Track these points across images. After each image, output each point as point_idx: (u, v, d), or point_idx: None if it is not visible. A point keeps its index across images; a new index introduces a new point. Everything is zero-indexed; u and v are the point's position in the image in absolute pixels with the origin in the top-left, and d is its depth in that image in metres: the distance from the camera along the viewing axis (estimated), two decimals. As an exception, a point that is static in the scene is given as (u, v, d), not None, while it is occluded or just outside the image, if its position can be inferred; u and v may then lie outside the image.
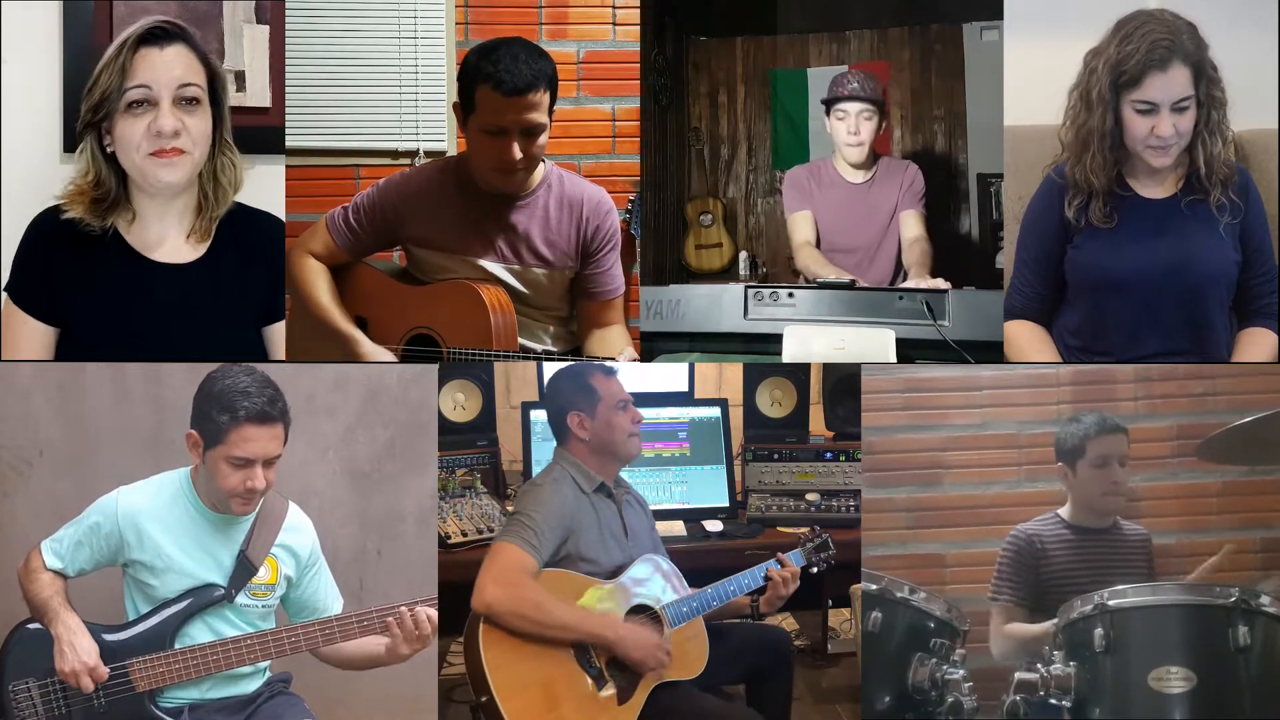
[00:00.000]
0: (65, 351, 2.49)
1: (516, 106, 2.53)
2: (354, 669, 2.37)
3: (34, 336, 2.47)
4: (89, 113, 2.36)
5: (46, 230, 2.44)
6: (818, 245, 3.52)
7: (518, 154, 2.57)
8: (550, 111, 2.62)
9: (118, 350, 2.48)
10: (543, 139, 2.61)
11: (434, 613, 2.28)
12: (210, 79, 2.41)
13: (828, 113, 3.53)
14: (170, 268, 2.46)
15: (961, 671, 2.39)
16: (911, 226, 3.46)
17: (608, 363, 2.64)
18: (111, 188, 2.41)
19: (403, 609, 2.26)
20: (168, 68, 2.35)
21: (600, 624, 2.36)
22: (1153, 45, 2.42)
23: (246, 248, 2.51)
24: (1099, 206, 2.53)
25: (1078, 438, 2.60)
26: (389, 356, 2.72)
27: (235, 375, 2.21)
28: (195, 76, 2.37)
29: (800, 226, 3.55)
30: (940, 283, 3.14)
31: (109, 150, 2.38)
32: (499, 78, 2.51)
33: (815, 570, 2.64)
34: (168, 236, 2.47)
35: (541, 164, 2.73)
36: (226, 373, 2.22)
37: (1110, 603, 2.26)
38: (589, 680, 2.34)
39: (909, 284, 3.27)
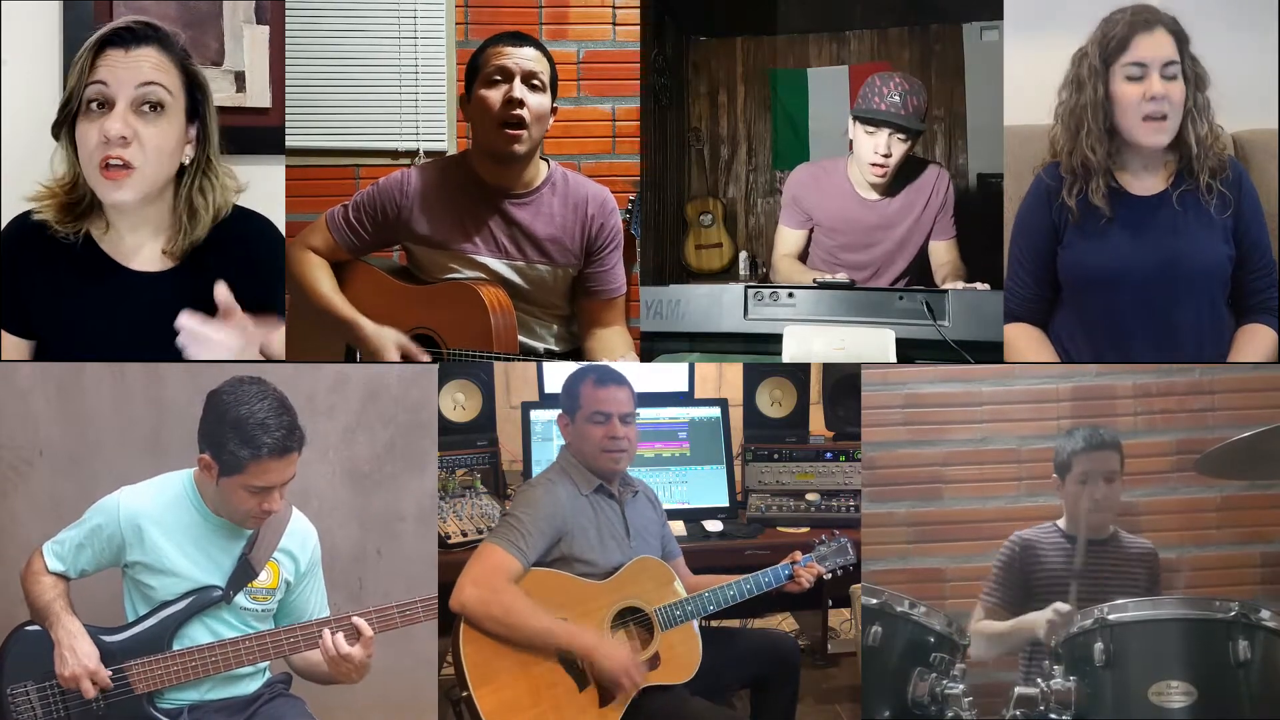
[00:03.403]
0: (42, 360, 2.42)
1: (519, 56, 2.62)
2: (316, 681, 2.35)
3: (9, 349, 2.40)
4: (59, 112, 2.25)
5: (17, 239, 2.34)
6: (804, 256, 3.45)
7: (519, 93, 2.60)
8: (552, 105, 2.67)
9: (97, 358, 2.41)
10: (541, 103, 2.64)
11: (343, 644, 2.22)
12: (189, 87, 2.27)
13: (858, 118, 3.31)
14: (148, 276, 2.36)
15: (961, 686, 2.39)
16: (943, 255, 3.34)
17: (621, 367, 2.64)
18: (86, 193, 2.29)
19: (325, 631, 2.23)
20: (130, 68, 2.21)
21: (575, 637, 2.35)
22: (1135, 12, 2.50)
23: (230, 251, 2.38)
24: (1099, 188, 2.53)
25: (1066, 452, 2.61)
26: (393, 336, 2.69)
27: (250, 400, 2.15)
28: (162, 79, 2.23)
29: (787, 240, 3.45)
30: (981, 285, 3.08)
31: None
32: (501, 37, 2.66)
33: (828, 576, 2.64)
34: (143, 246, 2.36)
35: (545, 163, 2.75)
36: (240, 395, 2.16)
37: (1110, 617, 2.26)
38: (571, 680, 2.34)
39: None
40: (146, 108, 2.23)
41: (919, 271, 3.38)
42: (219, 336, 2.24)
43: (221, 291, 2.24)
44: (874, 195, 3.36)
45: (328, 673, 2.29)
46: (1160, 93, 2.47)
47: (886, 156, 3.26)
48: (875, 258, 3.37)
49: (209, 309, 2.30)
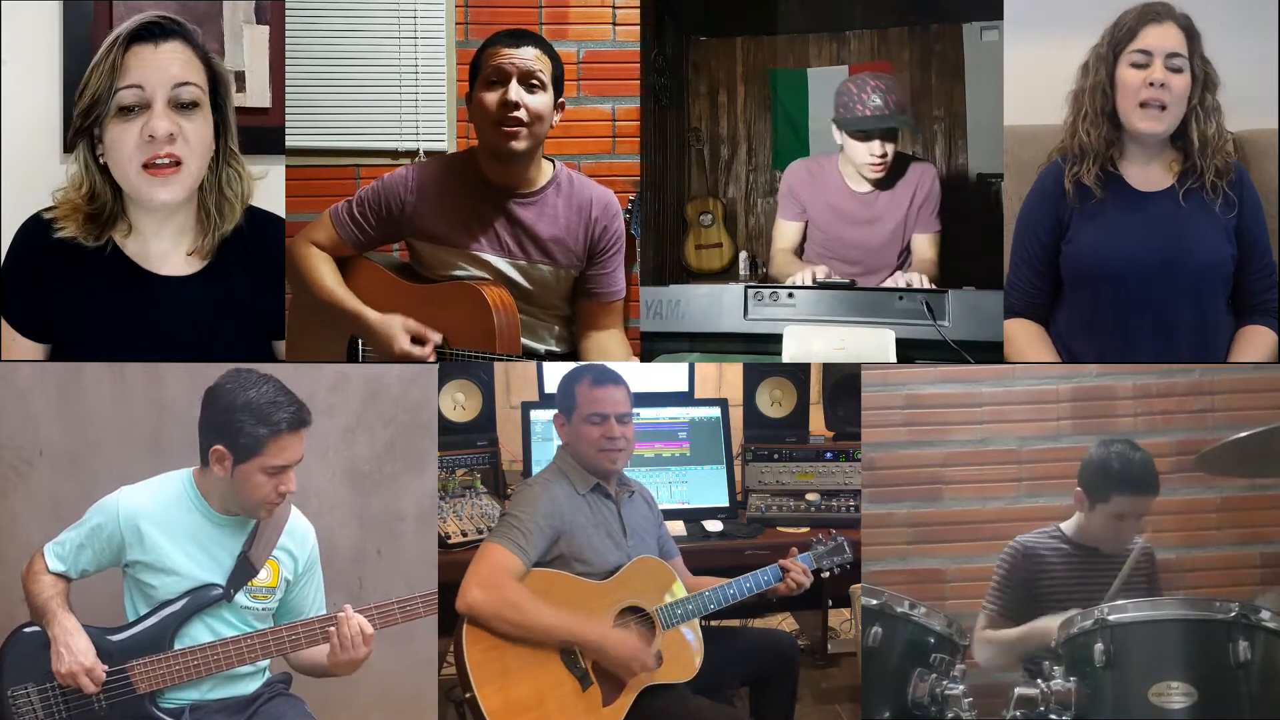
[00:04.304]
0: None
1: (517, 56, 2.60)
2: (311, 675, 2.35)
3: (26, 353, 2.39)
4: (79, 118, 2.20)
5: (35, 242, 2.31)
6: (801, 250, 3.47)
7: (515, 95, 2.59)
8: (556, 101, 2.66)
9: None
10: (540, 102, 2.62)
11: (366, 624, 2.23)
12: (212, 81, 2.26)
13: (844, 127, 3.32)
14: (172, 280, 2.35)
15: (962, 687, 2.38)
16: (925, 249, 3.36)
17: (619, 367, 2.64)
18: (107, 201, 2.26)
19: (341, 615, 2.23)
20: (162, 66, 2.19)
21: (583, 628, 2.35)
22: (1149, 4, 2.54)
23: (255, 255, 2.40)
24: (1096, 169, 2.55)
25: (1108, 483, 2.55)
26: (399, 321, 2.68)
27: (256, 385, 2.17)
28: (194, 76, 2.22)
29: (784, 233, 3.47)
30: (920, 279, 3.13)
31: (102, 160, 2.24)
32: (501, 37, 2.64)
33: (826, 575, 2.64)
34: (168, 253, 2.35)
35: (551, 164, 2.75)
36: (242, 383, 2.18)
37: (1110, 618, 2.26)
38: (574, 680, 2.34)
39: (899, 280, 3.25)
40: (181, 106, 2.21)
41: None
42: None
43: None
44: (864, 188, 3.39)
45: (323, 666, 2.29)
46: (1160, 79, 2.49)
47: (883, 156, 3.29)
48: (866, 251, 3.40)
49: (236, 310, 2.37)
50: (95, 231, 2.28)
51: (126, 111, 2.19)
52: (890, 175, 3.36)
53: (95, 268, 2.31)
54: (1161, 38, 2.50)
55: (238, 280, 2.38)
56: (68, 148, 2.30)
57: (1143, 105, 2.51)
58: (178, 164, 2.22)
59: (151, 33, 2.21)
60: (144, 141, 2.19)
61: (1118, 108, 2.54)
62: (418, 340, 2.66)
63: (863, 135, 3.28)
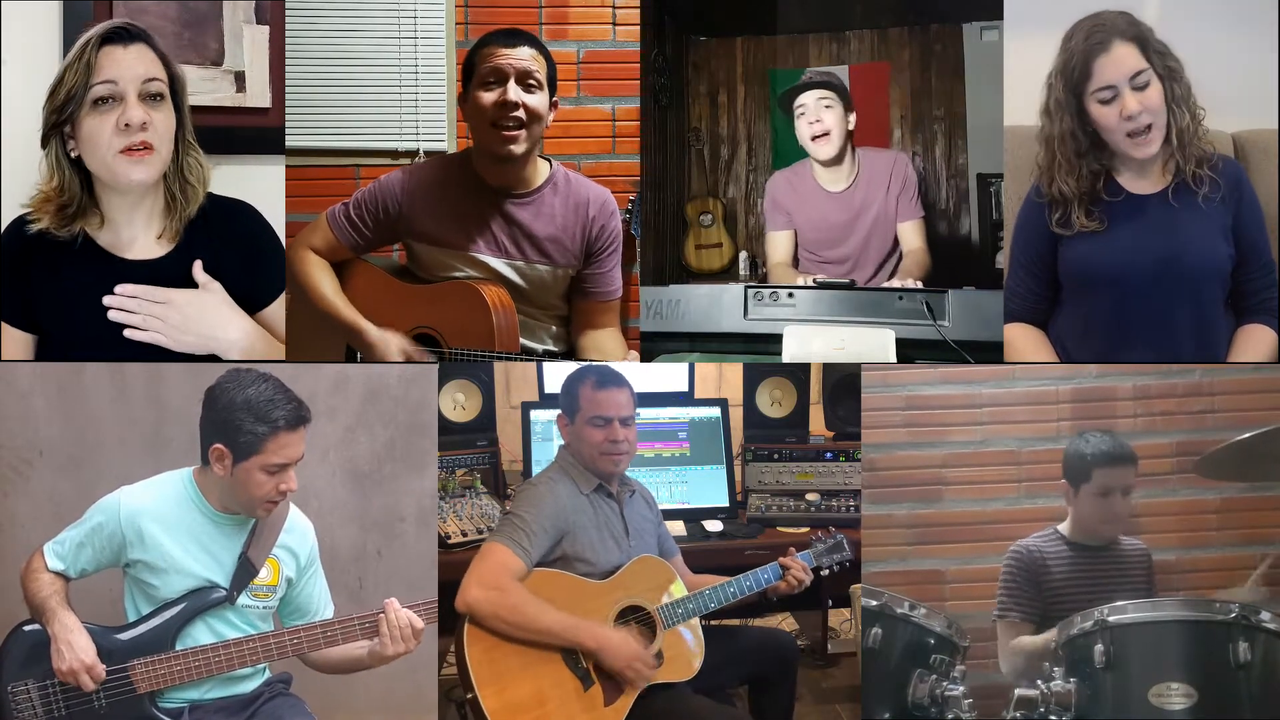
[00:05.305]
0: (45, 355, 2.50)
1: (514, 57, 2.62)
2: (338, 673, 2.37)
3: (13, 343, 2.48)
4: (53, 114, 2.36)
5: (18, 238, 2.44)
6: (795, 260, 3.49)
7: (514, 95, 2.60)
8: (550, 100, 2.68)
9: (99, 351, 2.47)
10: (538, 102, 2.63)
11: (416, 618, 2.28)
12: (171, 80, 2.42)
13: (791, 116, 3.44)
14: (143, 264, 2.46)
15: (961, 688, 2.39)
16: (911, 238, 3.39)
17: (621, 367, 2.63)
18: (76, 193, 2.40)
19: (388, 604, 2.26)
20: (132, 65, 2.36)
21: (582, 631, 2.35)
22: (1089, 33, 2.47)
23: (220, 237, 2.50)
24: (1081, 213, 2.53)
25: (1085, 462, 2.58)
26: (396, 341, 2.70)
27: (253, 383, 2.21)
28: (158, 73, 2.39)
29: (777, 247, 3.51)
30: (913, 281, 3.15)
31: (73, 154, 2.38)
32: (495, 36, 2.67)
33: (825, 573, 2.64)
34: (137, 238, 2.47)
35: (547, 163, 2.75)
36: (241, 380, 2.21)
37: (1110, 619, 2.26)
38: (576, 680, 2.34)
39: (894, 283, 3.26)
40: (150, 99, 2.37)
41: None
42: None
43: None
44: (839, 185, 3.43)
45: (338, 662, 2.32)
46: (1136, 109, 2.45)
47: (820, 121, 3.37)
48: (853, 249, 3.42)
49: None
50: (66, 223, 2.42)
51: (101, 104, 2.35)
52: (861, 169, 3.42)
53: (71, 258, 2.44)
54: (1117, 66, 2.45)
55: (205, 258, 2.49)
56: (41, 144, 2.42)
57: (1130, 135, 2.48)
58: (150, 149, 2.38)
59: (120, 36, 2.38)
60: (120, 130, 2.35)
61: (1107, 142, 2.51)
62: (411, 362, 2.68)
63: (801, 106, 3.39)
